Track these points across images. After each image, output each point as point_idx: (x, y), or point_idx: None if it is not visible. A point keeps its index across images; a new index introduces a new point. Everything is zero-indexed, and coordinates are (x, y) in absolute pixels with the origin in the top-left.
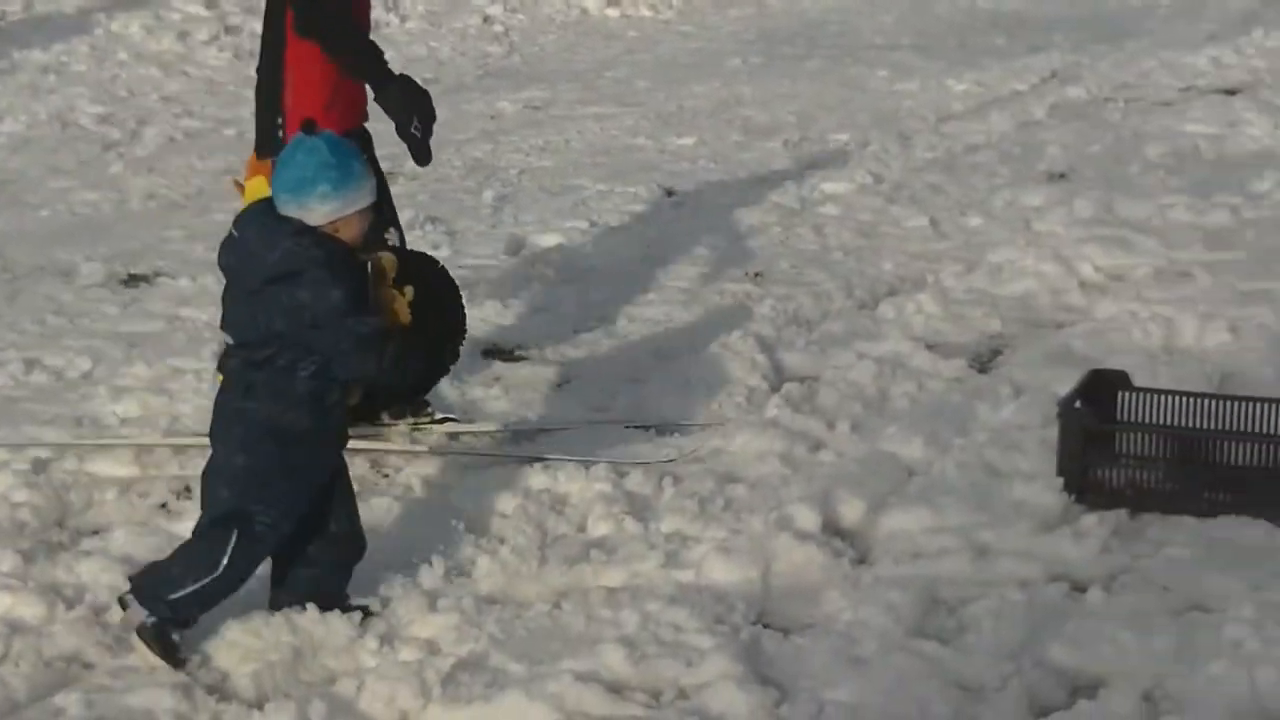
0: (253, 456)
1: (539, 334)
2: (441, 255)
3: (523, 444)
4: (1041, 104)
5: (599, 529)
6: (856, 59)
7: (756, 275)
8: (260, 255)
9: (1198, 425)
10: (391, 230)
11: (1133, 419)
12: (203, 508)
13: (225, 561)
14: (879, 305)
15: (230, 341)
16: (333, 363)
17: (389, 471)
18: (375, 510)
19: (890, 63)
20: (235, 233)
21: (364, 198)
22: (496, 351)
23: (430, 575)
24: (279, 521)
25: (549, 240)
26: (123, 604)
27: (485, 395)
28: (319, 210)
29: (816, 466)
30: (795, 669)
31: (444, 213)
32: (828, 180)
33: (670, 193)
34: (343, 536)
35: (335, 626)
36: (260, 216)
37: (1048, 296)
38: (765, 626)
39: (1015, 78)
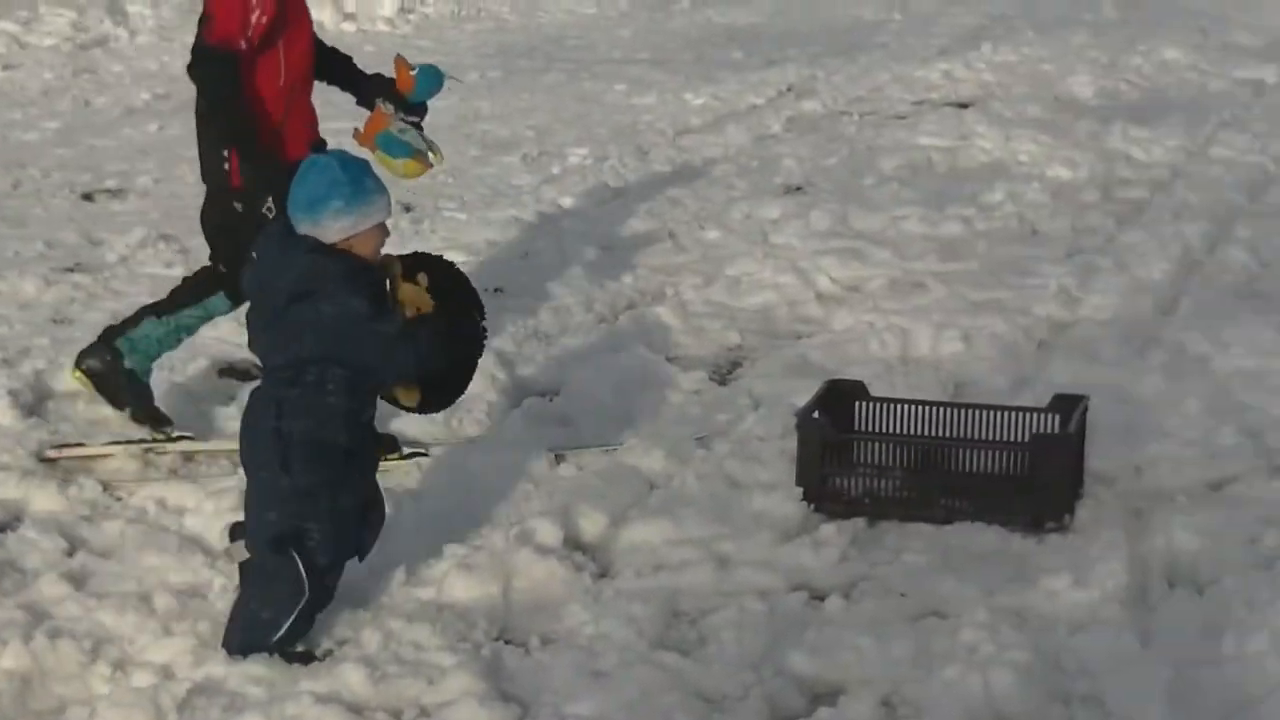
0: (297, 476)
1: None
2: (174, 274)
3: None
4: (778, 118)
5: None
6: (594, 73)
7: (497, 290)
8: (279, 275)
9: (932, 434)
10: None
11: (870, 429)
12: (251, 538)
13: (305, 578)
14: (618, 318)
15: (259, 364)
16: (373, 372)
17: (121, 495)
18: (108, 534)
19: (628, 77)
20: (255, 255)
21: (378, 213)
22: (232, 371)
23: (165, 598)
24: (330, 538)
25: None
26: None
27: (222, 414)
28: (333, 227)
29: (557, 481)
30: (537, 684)
31: (178, 230)
32: (566, 194)
33: (408, 208)
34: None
35: (65, 653)
36: (276, 237)
37: (785, 308)
38: (507, 642)
39: (752, 92)
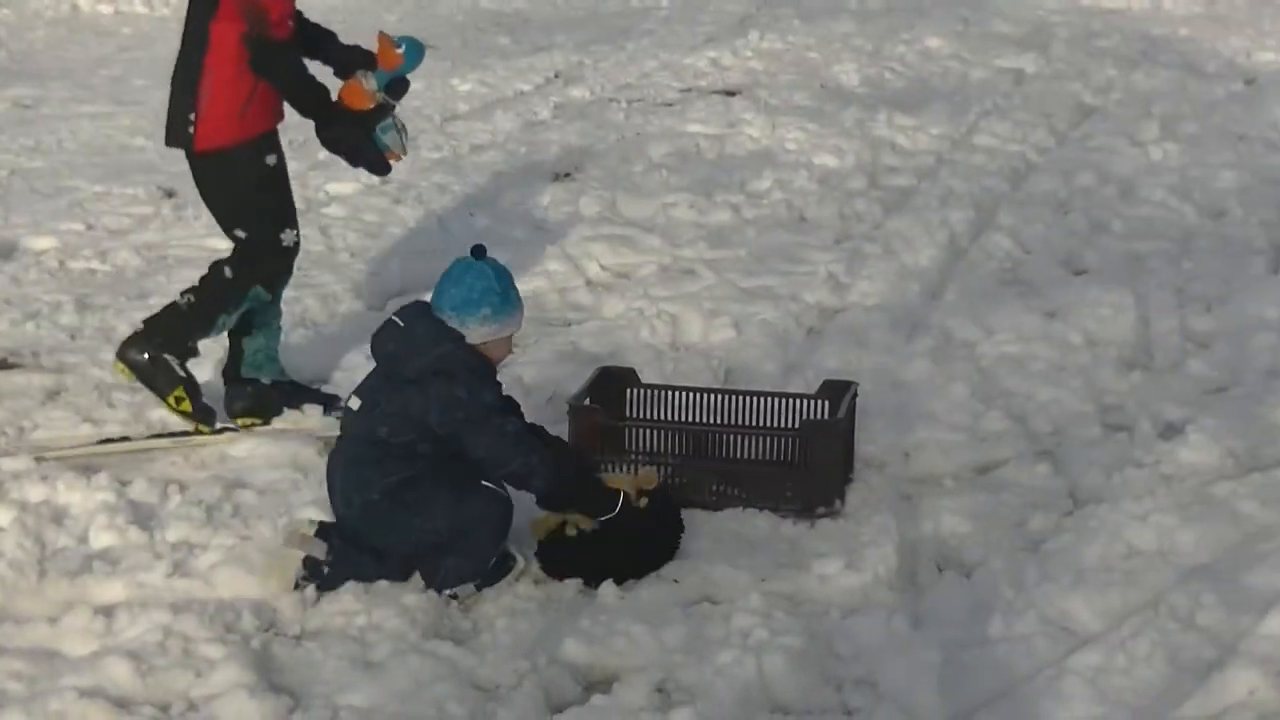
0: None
1: (33, 341)
2: None
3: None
4: (546, 104)
5: (101, 540)
6: None
7: None
8: (424, 349)
9: (704, 420)
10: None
11: (641, 416)
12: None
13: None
14: (386, 305)
15: (353, 408)
16: (482, 462)
17: None
18: None
19: None
20: (400, 321)
21: (515, 325)
22: None
23: None
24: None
25: (43, 243)
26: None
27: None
28: (477, 330)
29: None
30: (308, 676)
31: None
32: (332, 181)
33: (171, 194)
34: None
35: None
36: (429, 317)
37: (555, 295)
38: (276, 634)
39: (519, 78)
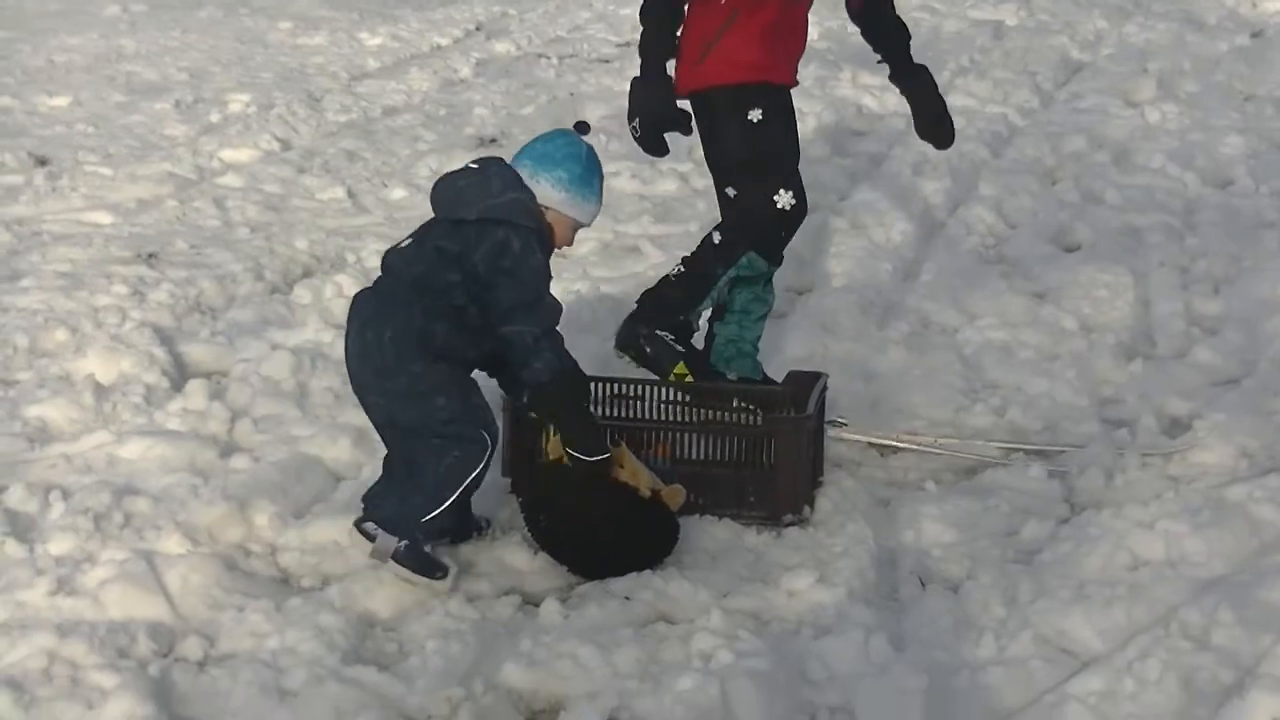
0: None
1: None
2: None
3: None
4: (466, 60)
5: None
6: (254, 8)
7: (150, 256)
8: (494, 192)
9: (655, 417)
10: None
11: None
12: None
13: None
14: (294, 289)
15: (402, 246)
16: (503, 315)
17: None
18: None
19: (293, 13)
20: (474, 165)
21: (584, 212)
22: None
23: None
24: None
25: None
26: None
27: None
28: (547, 192)
29: (230, 474)
30: (214, 706)
31: None
32: (228, 147)
33: (43, 161)
34: None
35: None
36: (506, 166)
37: None
38: (177, 659)
39: (436, 31)
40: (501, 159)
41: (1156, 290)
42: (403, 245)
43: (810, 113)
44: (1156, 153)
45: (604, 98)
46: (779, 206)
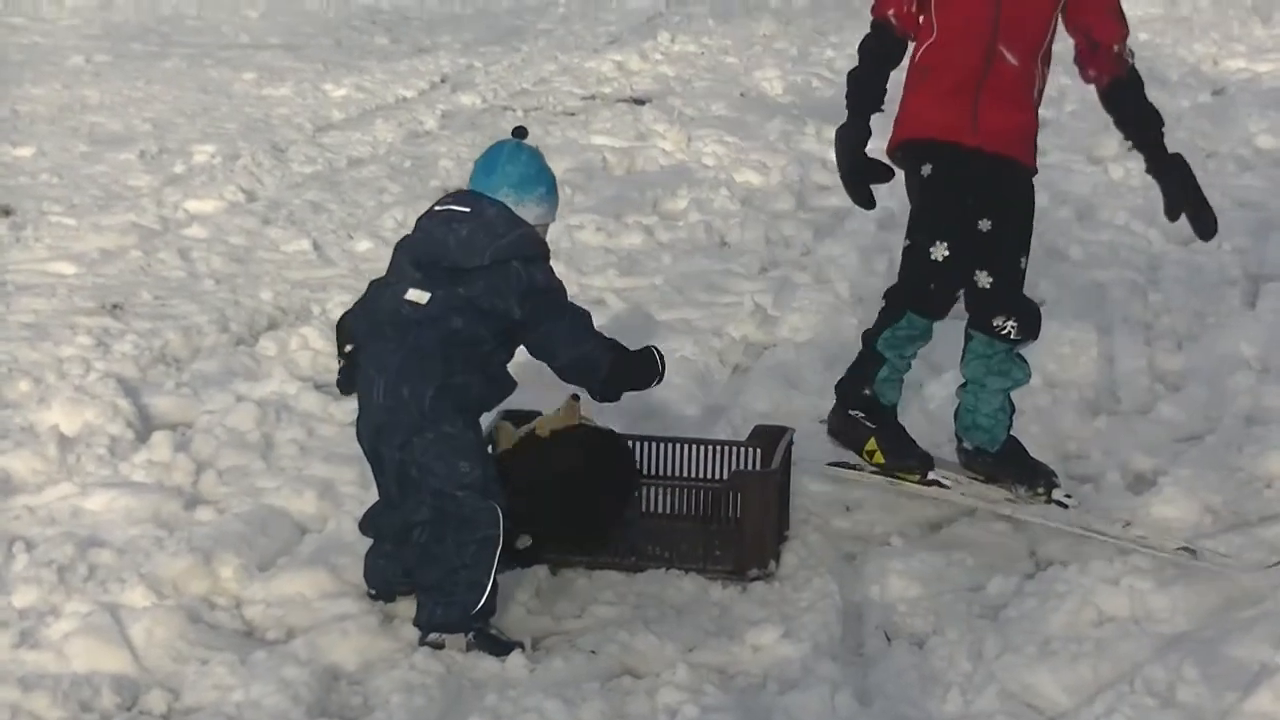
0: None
1: None
2: None
3: None
4: (432, 112)
5: None
6: (219, 60)
7: (115, 307)
8: (500, 232)
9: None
10: None
11: None
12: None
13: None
14: (259, 340)
15: (419, 302)
16: (556, 344)
17: None
18: None
19: (257, 64)
20: (462, 208)
21: (556, 212)
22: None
23: None
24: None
25: None
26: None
27: None
28: (533, 210)
29: (194, 527)
30: None
31: None
32: (192, 198)
33: (6, 212)
34: None
35: None
36: (493, 201)
37: None
38: (141, 713)
39: (401, 82)
40: (482, 195)
41: (1120, 346)
42: (411, 297)
43: (775, 166)
44: (1120, 209)
45: (569, 150)
46: (933, 258)
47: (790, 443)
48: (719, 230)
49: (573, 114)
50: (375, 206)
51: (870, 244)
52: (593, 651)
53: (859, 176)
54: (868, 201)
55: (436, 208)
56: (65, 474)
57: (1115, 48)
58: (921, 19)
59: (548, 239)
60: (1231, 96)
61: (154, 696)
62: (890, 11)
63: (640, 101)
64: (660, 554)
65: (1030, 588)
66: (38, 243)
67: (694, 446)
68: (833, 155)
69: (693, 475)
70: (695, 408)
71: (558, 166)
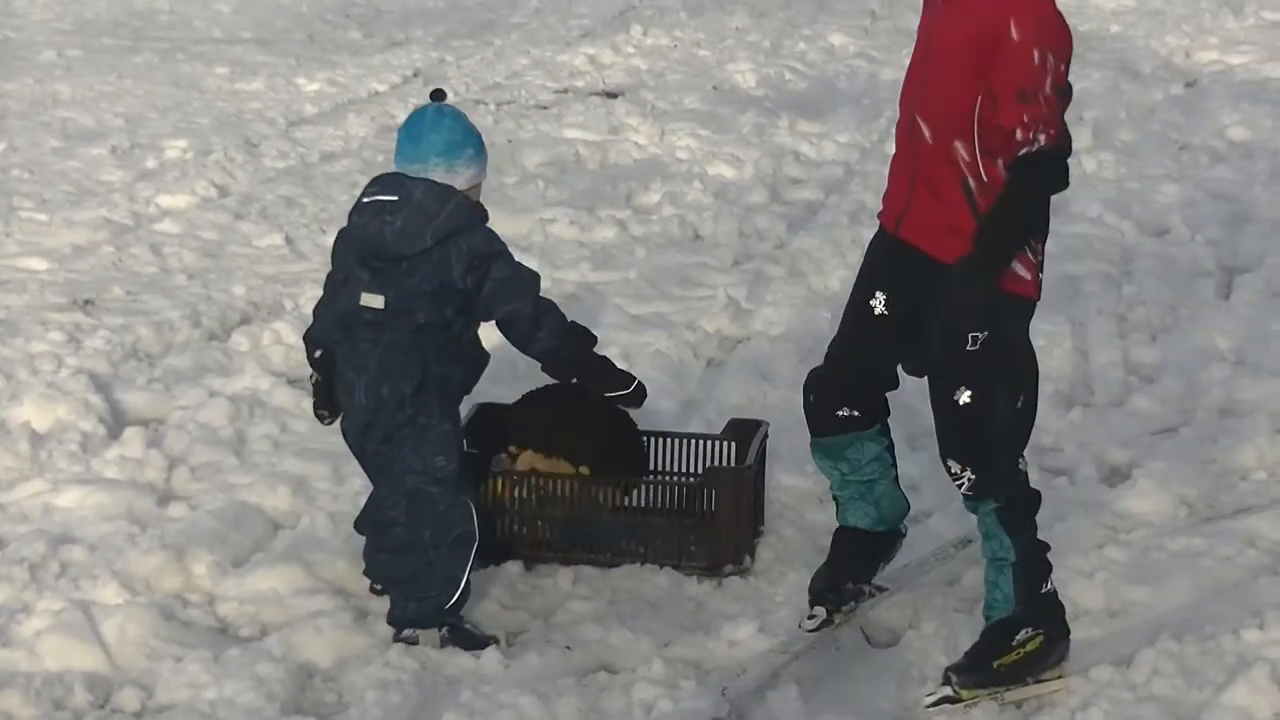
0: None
1: None
2: None
3: None
4: (404, 106)
5: None
6: (191, 54)
7: (86, 303)
8: (433, 212)
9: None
10: None
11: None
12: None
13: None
14: (231, 335)
15: (376, 307)
16: (499, 296)
17: None
18: None
19: (230, 58)
20: (389, 196)
21: (485, 168)
22: None
23: None
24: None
25: None
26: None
27: None
28: (464, 173)
29: (167, 523)
30: None
31: None
32: (165, 193)
33: None
34: None
35: None
36: (415, 180)
37: None
38: (114, 711)
39: (373, 77)
40: (405, 175)
41: (1094, 339)
42: (367, 302)
43: (748, 160)
44: (1093, 201)
45: (542, 144)
46: (822, 364)
47: (765, 436)
48: (692, 224)
49: (545, 107)
50: (348, 201)
51: (844, 237)
52: (568, 647)
53: None
54: None
55: (364, 199)
56: (37, 470)
57: (1016, 132)
58: None
59: (481, 198)
60: (1204, 89)
61: (127, 694)
62: None
63: (613, 95)
64: (635, 549)
65: None
66: (9, 238)
67: (669, 440)
68: (806, 148)
69: (667, 469)
70: (670, 401)
71: (532, 160)
